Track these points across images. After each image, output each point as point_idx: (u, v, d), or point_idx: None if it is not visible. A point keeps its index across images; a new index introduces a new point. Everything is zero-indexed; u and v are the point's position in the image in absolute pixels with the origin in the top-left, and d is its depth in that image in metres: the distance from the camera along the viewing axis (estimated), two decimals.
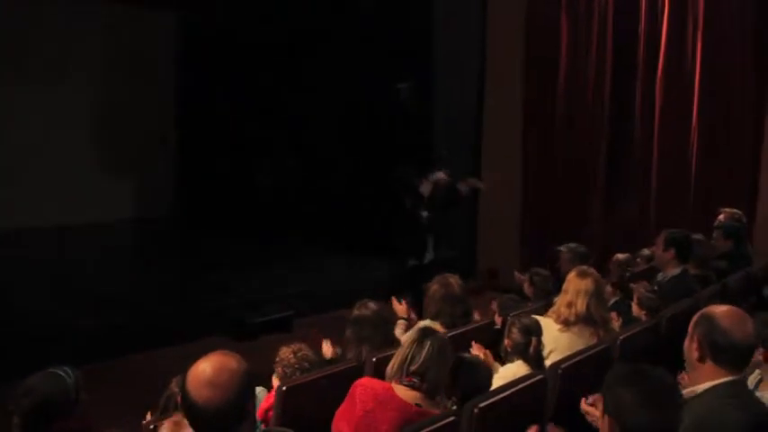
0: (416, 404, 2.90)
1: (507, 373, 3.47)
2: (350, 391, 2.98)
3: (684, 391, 2.42)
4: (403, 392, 2.91)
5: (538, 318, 3.77)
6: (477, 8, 9.07)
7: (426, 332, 3.10)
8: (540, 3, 8.66)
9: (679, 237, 4.87)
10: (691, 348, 2.47)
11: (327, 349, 4.03)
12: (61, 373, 2.92)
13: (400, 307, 4.47)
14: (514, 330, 3.52)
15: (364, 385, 2.95)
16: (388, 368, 3.04)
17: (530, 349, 3.48)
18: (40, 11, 10.09)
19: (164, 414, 3.28)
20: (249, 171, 10.35)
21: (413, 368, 2.92)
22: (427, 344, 2.96)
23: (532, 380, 3.18)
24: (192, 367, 1.97)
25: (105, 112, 11.05)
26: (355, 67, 9.55)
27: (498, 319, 4.42)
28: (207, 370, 1.93)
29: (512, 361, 3.52)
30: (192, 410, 1.93)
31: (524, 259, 8.44)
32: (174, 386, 3.48)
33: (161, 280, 7.92)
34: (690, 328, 2.51)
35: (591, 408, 2.78)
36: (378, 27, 9.28)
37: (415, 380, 2.91)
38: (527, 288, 5.17)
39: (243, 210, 10.50)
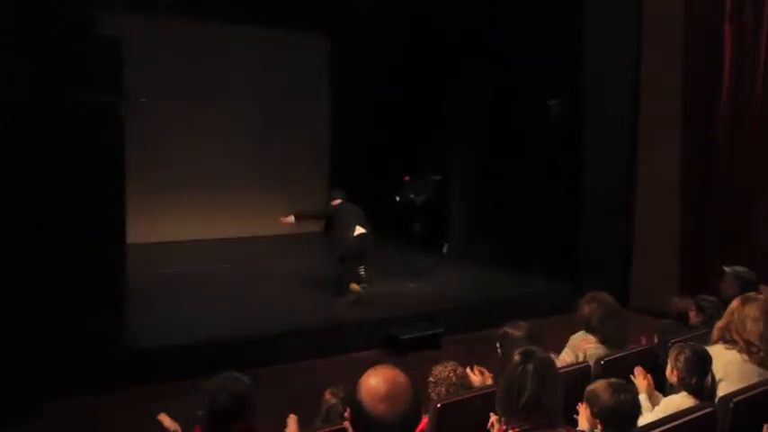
0: None
1: (670, 405, 3.29)
2: None
3: None
4: None
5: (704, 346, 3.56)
6: (632, 21, 8.75)
7: (526, 354, 2.67)
8: (701, 12, 8.21)
9: None
10: None
11: (476, 378, 3.74)
12: (239, 376, 3.10)
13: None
14: (681, 359, 3.33)
15: None
16: (497, 405, 2.72)
17: (699, 380, 3.28)
18: (204, 37, 10.85)
19: (325, 423, 3.39)
20: (399, 188, 10.56)
21: (522, 401, 2.54)
22: (529, 368, 2.58)
23: (700, 412, 2.99)
24: (362, 382, 2.09)
25: (264, 134, 11.67)
26: (506, 83, 9.55)
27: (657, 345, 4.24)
28: (381, 385, 2.04)
29: (677, 392, 3.34)
30: (369, 424, 2.03)
31: (682, 283, 8.04)
32: (329, 396, 3.60)
33: (313, 291, 8.20)
34: None
35: None
36: (529, 42, 9.22)
37: (534, 418, 2.52)
38: (694, 315, 4.89)
39: (395, 225, 10.82)
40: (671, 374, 3.41)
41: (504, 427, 2.62)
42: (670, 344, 3.81)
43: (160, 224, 10.63)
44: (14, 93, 5.36)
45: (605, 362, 3.77)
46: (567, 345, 4.22)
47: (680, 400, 3.29)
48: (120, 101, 6.88)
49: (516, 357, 2.68)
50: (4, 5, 5.29)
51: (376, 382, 2.04)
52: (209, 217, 11.05)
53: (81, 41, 6.27)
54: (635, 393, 3.11)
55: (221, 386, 2.99)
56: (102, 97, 6.43)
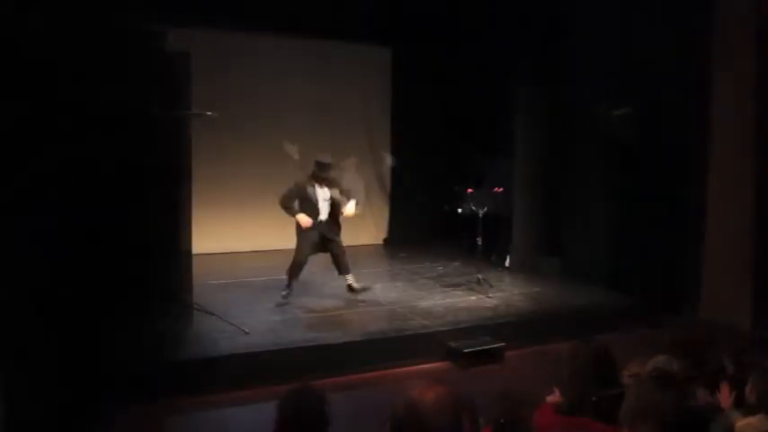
0: None
1: (747, 427, 3.13)
2: None
3: None
4: None
5: None
6: (701, 32, 8.48)
7: (666, 380, 2.63)
8: None
9: None
10: None
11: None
12: (318, 388, 3.12)
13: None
14: (761, 378, 3.16)
15: None
16: (622, 419, 2.60)
17: None
18: (262, 49, 11.02)
19: None
20: (457, 199, 10.54)
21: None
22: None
23: None
24: (417, 399, 2.02)
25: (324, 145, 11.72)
26: (570, 94, 9.44)
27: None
28: (437, 403, 1.98)
29: (755, 413, 3.17)
30: None
31: (755, 297, 7.75)
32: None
33: (373, 302, 8.20)
34: None
35: None
36: (592, 54, 9.09)
37: None
38: None
39: (458, 238, 10.85)
40: (750, 394, 3.24)
41: None
42: (747, 362, 3.63)
43: (223, 235, 10.81)
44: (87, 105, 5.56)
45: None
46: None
47: (757, 423, 3.12)
48: (189, 114, 7.05)
49: (652, 382, 2.60)
50: (75, 23, 5.49)
51: (433, 401, 1.99)
52: (272, 228, 11.12)
53: (151, 57, 6.46)
54: (705, 408, 2.98)
55: (305, 396, 3.01)
56: (172, 111, 6.58)
